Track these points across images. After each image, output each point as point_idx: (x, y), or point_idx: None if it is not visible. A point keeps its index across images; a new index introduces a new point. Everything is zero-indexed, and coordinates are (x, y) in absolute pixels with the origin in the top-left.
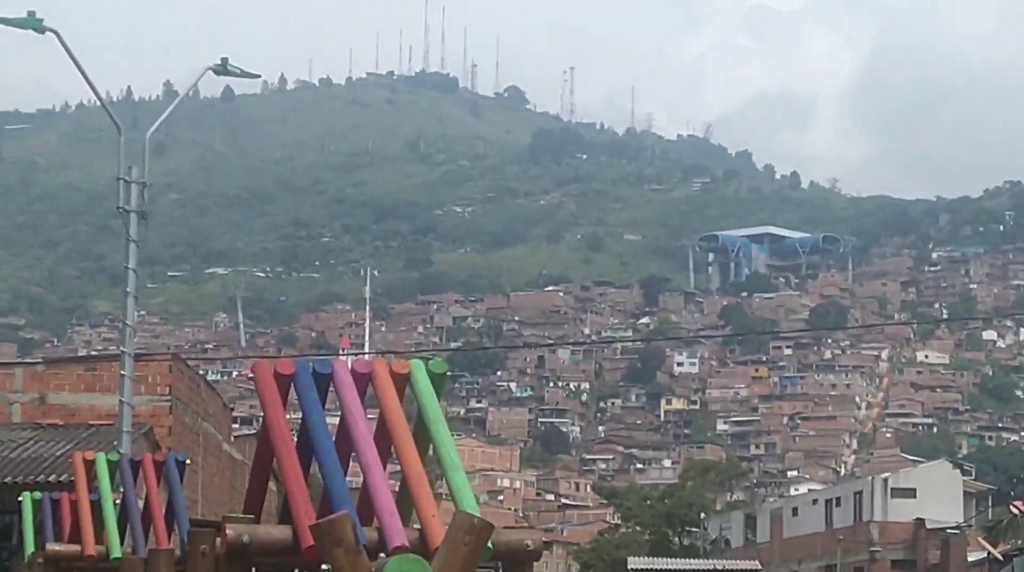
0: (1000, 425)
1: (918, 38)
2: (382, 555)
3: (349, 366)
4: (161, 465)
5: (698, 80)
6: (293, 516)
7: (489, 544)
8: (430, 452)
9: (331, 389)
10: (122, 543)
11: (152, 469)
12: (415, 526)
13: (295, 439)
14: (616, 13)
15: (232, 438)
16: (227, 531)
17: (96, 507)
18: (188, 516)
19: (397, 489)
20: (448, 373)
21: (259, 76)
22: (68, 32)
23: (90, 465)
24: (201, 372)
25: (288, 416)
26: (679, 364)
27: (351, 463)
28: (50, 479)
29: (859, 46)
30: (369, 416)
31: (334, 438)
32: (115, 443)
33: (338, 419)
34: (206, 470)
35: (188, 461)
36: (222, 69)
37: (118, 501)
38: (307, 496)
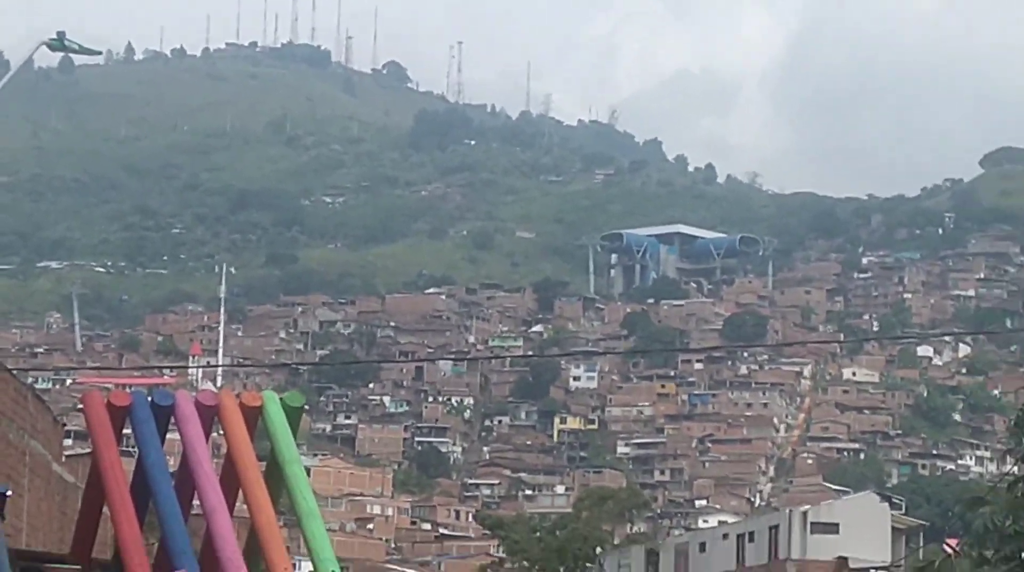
0: (935, 452)
1: (851, 15)
2: None
3: (193, 397)
4: None
5: (606, 57)
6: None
7: None
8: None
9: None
10: None
11: None
12: None
13: (130, 478)
14: None
15: (63, 457)
16: None
17: None
18: (8, 551)
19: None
20: (306, 406)
21: (100, 52)
22: None
23: None
24: (30, 380)
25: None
26: (575, 378)
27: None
28: None
29: (785, 21)
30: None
31: (175, 479)
32: None
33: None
34: (32, 494)
35: (10, 493)
36: (58, 44)
37: None
38: (141, 548)
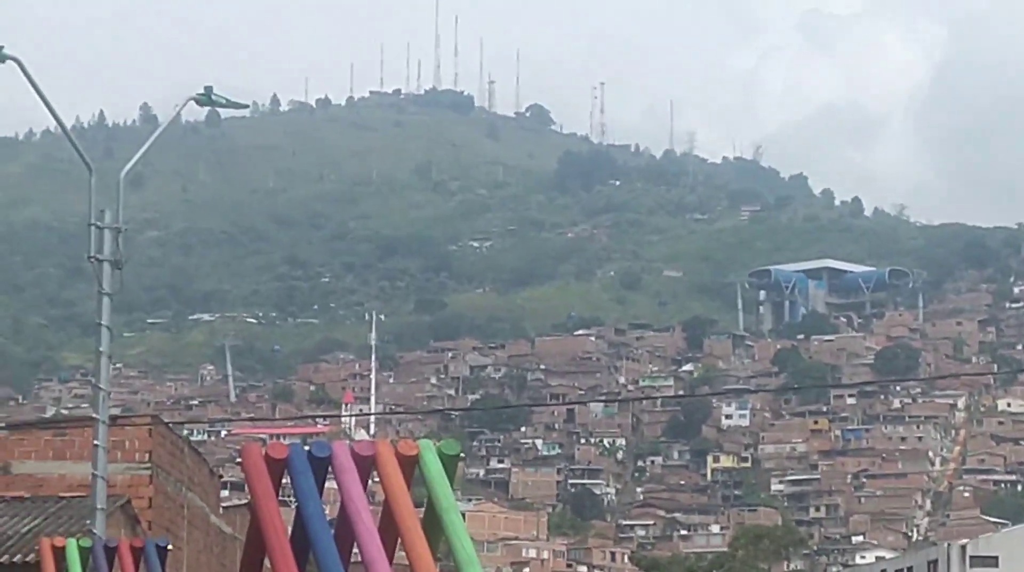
0: None
1: (996, 42)
2: None
3: (349, 448)
4: (140, 551)
5: (749, 93)
6: None
7: None
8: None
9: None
10: None
11: (129, 556)
12: None
13: (290, 530)
14: (653, 21)
15: (221, 509)
16: None
17: None
18: None
19: None
20: (462, 454)
21: (247, 106)
22: (37, 50)
23: (59, 552)
24: (185, 432)
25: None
26: (727, 416)
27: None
28: (15, 560)
29: (929, 52)
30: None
31: (334, 530)
32: (88, 523)
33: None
34: (191, 546)
35: (170, 547)
36: (206, 99)
37: None
38: None
